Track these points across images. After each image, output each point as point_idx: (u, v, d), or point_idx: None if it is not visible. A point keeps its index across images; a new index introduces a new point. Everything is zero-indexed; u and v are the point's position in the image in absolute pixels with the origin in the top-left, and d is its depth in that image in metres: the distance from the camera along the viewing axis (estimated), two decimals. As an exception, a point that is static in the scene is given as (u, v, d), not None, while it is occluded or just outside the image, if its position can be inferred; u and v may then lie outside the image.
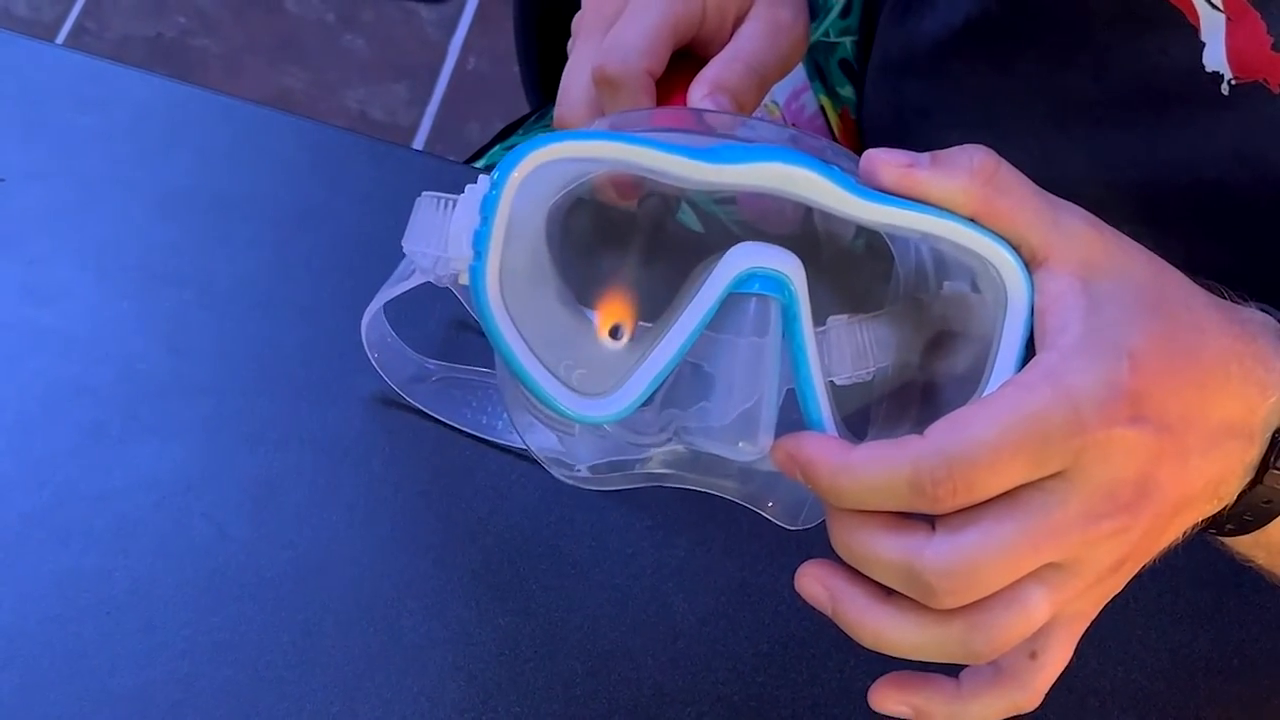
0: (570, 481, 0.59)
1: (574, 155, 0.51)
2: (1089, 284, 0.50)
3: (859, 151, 0.53)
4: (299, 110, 1.39)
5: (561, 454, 0.59)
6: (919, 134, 0.80)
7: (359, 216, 0.74)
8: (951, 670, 0.53)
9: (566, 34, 0.68)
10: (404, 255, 0.56)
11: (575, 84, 0.64)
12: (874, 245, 0.55)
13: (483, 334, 0.51)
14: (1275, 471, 0.52)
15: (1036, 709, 0.53)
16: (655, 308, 0.53)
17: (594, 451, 0.58)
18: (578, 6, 0.68)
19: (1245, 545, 0.56)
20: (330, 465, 0.67)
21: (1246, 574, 0.59)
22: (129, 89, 0.77)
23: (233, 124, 0.77)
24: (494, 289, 0.50)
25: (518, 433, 0.59)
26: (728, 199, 0.57)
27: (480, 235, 0.50)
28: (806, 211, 0.53)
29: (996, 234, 0.51)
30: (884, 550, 0.49)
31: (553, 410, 0.51)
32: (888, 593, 0.51)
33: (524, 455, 0.67)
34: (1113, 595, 0.53)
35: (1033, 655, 0.52)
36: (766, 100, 0.83)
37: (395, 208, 0.59)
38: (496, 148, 0.90)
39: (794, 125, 0.86)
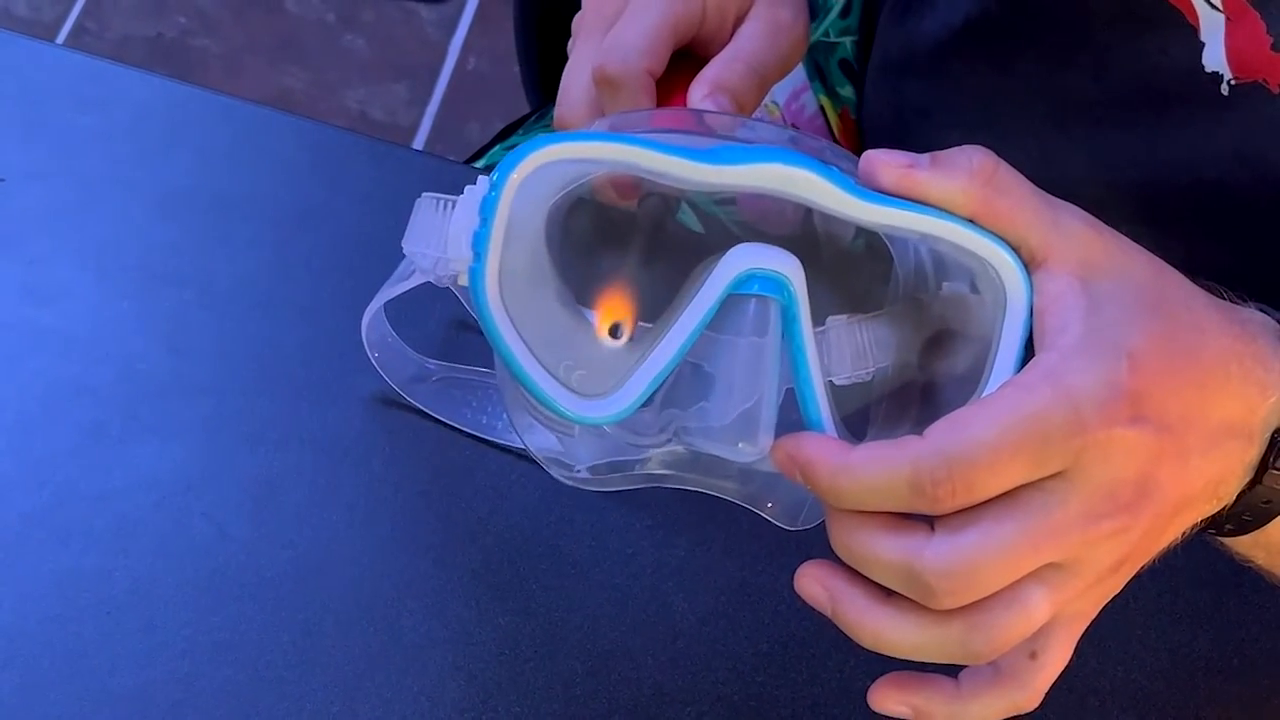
0: (569, 482, 0.59)
1: (573, 156, 0.51)
2: (1088, 284, 0.50)
3: (859, 152, 0.53)
4: (299, 110, 1.39)
5: (561, 454, 0.59)
6: (919, 134, 0.80)
7: (359, 216, 0.74)
8: (951, 670, 0.53)
9: (566, 34, 0.68)
10: (403, 255, 0.56)
11: (575, 84, 0.64)
12: (873, 246, 0.55)
13: (483, 334, 0.51)
14: (1275, 471, 0.52)
15: (1036, 709, 0.53)
16: (655, 308, 0.53)
17: (593, 452, 0.58)
18: (578, 6, 0.68)
19: (1244, 545, 0.56)
20: (330, 465, 0.67)
21: (1246, 574, 0.59)
22: (129, 89, 0.77)
23: (233, 124, 0.77)
24: (493, 290, 0.50)
25: (517, 433, 0.59)
26: (728, 200, 0.57)
27: (480, 236, 0.50)
28: (806, 212, 0.53)
29: (996, 235, 0.51)
30: (883, 551, 0.49)
31: (552, 411, 0.51)
32: (887, 593, 0.51)
33: (524, 455, 0.67)
34: (1112, 595, 0.53)
35: (1032, 655, 0.52)
36: (766, 100, 0.83)
37: (395, 208, 0.59)
38: (496, 148, 0.90)
39: (794, 125, 0.86)
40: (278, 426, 0.68)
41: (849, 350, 0.55)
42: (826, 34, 0.87)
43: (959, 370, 0.53)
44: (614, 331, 0.53)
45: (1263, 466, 0.52)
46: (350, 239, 0.73)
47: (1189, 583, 0.67)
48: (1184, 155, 0.70)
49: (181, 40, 1.78)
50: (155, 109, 0.77)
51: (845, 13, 0.87)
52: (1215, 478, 0.52)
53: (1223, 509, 0.53)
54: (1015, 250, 0.51)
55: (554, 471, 0.59)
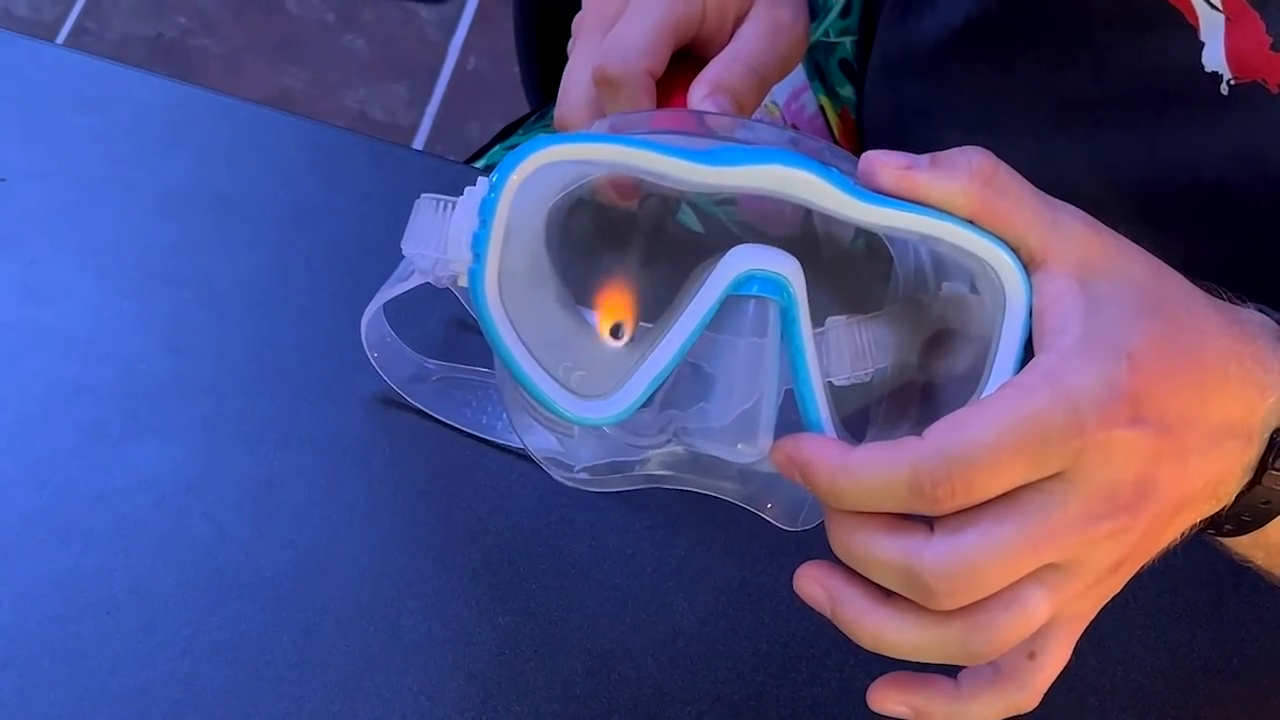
0: (569, 483, 0.59)
1: (573, 158, 0.51)
2: (1088, 285, 0.50)
3: (859, 152, 0.53)
4: (299, 110, 1.39)
5: (560, 455, 0.59)
6: (919, 134, 0.80)
7: (359, 216, 0.74)
8: (950, 670, 0.53)
9: (566, 34, 0.68)
10: (403, 255, 0.56)
11: (575, 84, 0.64)
12: (873, 247, 0.55)
13: (482, 334, 0.51)
14: (1274, 472, 0.52)
15: (1036, 709, 0.53)
16: (654, 309, 0.53)
17: (593, 453, 0.58)
18: (578, 6, 0.68)
19: (1244, 545, 0.56)
20: (330, 465, 0.67)
21: (1245, 574, 0.59)
22: (129, 89, 0.77)
23: (233, 124, 0.77)
24: (493, 291, 0.50)
25: (517, 434, 0.59)
26: (727, 200, 0.57)
27: (479, 238, 0.50)
28: (806, 213, 0.53)
29: (995, 235, 0.51)
30: (883, 551, 0.49)
31: (552, 412, 0.51)
32: (887, 594, 0.51)
33: (524, 455, 0.67)
34: (1112, 596, 0.53)
35: (1031, 656, 0.52)
36: (766, 100, 0.83)
37: (395, 208, 0.59)
38: (497, 148, 0.90)
39: (794, 125, 0.86)
40: (278, 426, 0.68)
41: (848, 351, 0.55)
42: (826, 34, 0.87)
43: (958, 371, 0.53)
44: (614, 332, 0.53)
45: (1262, 467, 0.52)
46: (350, 239, 0.73)
47: (1188, 583, 0.67)
48: (1184, 155, 0.70)
49: (181, 40, 1.78)
50: (155, 109, 0.77)
51: (845, 13, 0.87)
52: (1214, 478, 0.52)
53: (1222, 509, 0.53)
54: (1015, 251, 0.51)
55: (553, 472, 0.59)
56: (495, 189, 0.50)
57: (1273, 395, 0.52)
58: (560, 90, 0.65)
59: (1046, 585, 0.50)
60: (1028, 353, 0.51)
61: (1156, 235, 0.57)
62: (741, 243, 0.51)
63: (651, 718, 0.63)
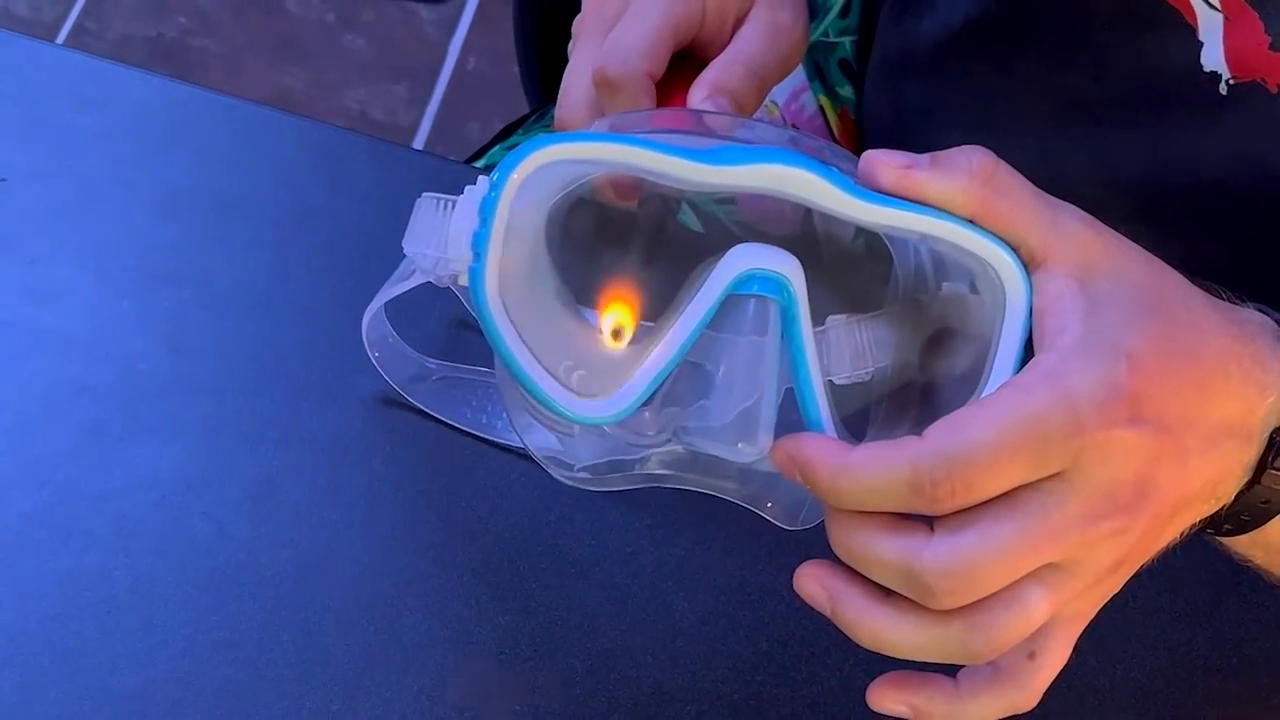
0: (569, 482, 0.59)
1: (573, 157, 0.51)
2: (1087, 285, 0.50)
3: (859, 152, 0.53)
4: (299, 110, 1.39)
5: (561, 454, 0.59)
6: (919, 134, 0.80)
7: (359, 216, 0.74)
8: (950, 670, 0.53)
9: (566, 34, 0.68)
10: (403, 255, 0.56)
11: (576, 86, 0.65)
12: (873, 246, 0.55)
13: (483, 334, 0.51)
14: (1273, 471, 0.52)
15: (1035, 708, 0.53)
16: (654, 308, 0.53)
17: (593, 452, 0.58)
18: (578, 7, 0.68)
19: (1243, 545, 0.57)
20: (330, 465, 0.67)
21: (1245, 573, 0.59)
22: (129, 89, 0.77)
23: (233, 124, 0.77)
24: (493, 290, 0.50)
25: (517, 433, 0.59)
26: (727, 200, 0.57)
27: (480, 237, 0.50)
28: (806, 212, 0.53)
29: (995, 235, 0.51)
30: (883, 551, 0.49)
31: (552, 411, 0.51)
32: (886, 593, 0.51)
33: (524, 455, 0.67)
34: (1111, 595, 0.53)
35: (1031, 655, 0.52)
36: (766, 100, 0.84)
37: (395, 208, 0.59)
38: (496, 148, 0.90)
39: (793, 125, 0.86)
40: (278, 426, 0.68)
41: (848, 350, 0.55)
42: (826, 34, 0.87)
43: (958, 370, 0.53)
44: (614, 332, 0.53)
45: (1261, 466, 0.52)
46: (350, 239, 0.73)
47: (1188, 582, 0.67)
48: (1183, 155, 0.70)
49: (181, 40, 1.78)
50: (155, 109, 0.77)
51: (845, 13, 0.87)
52: (1214, 478, 0.52)
53: (1221, 509, 0.53)
54: (1015, 250, 0.51)
55: (553, 471, 0.59)
56: (496, 188, 0.50)
57: (1272, 395, 0.52)
58: (560, 91, 0.66)
59: (1046, 585, 0.50)
60: (1028, 352, 0.51)
61: (1156, 235, 0.57)
62: (742, 242, 0.51)
63: (651, 717, 0.63)
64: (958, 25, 0.76)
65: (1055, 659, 0.52)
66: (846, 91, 0.87)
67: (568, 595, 0.65)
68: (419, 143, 1.74)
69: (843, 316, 0.55)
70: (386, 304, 0.63)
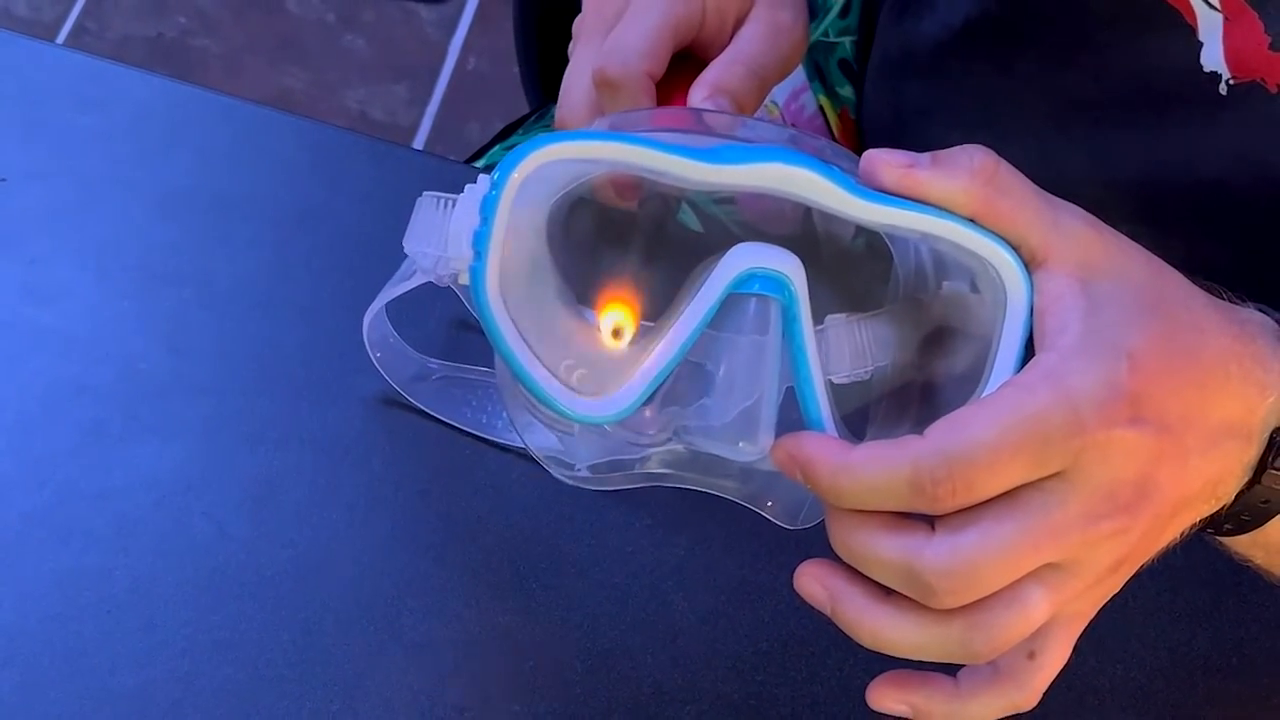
0: (570, 481, 0.59)
1: (574, 156, 0.51)
2: (1088, 284, 0.50)
3: (858, 152, 0.53)
4: (299, 110, 1.39)
5: (561, 454, 0.59)
6: (918, 134, 0.80)
7: (359, 216, 0.74)
8: (950, 669, 0.53)
9: (566, 34, 0.68)
10: (403, 255, 0.56)
11: (576, 86, 0.65)
12: (873, 245, 0.55)
13: (483, 333, 0.51)
14: (1273, 471, 0.52)
15: (1035, 708, 0.53)
16: (655, 308, 0.53)
17: (594, 451, 0.58)
18: (578, 7, 0.68)
19: (1243, 545, 0.57)
20: (330, 465, 0.67)
21: (1244, 573, 0.59)
22: (129, 89, 0.77)
23: (233, 124, 0.77)
24: (494, 289, 0.50)
25: (517, 432, 0.59)
26: (727, 199, 0.57)
27: (480, 235, 0.50)
28: (806, 211, 0.53)
29: (996, 234, 0.51)
30: (884, 550, 0.49)
31: (553, 410, 0.51)
32: (887, 592, 0.51)
33: (524, 454, 0.67)
34: (1111, 595, 0.53)
35: (1031, 655, 0.52)
36: (766, 100, 0.84)
37: (395, 208, 0.59)
38: (496, 148, 0.90)
39: (793, 125, 0.86)
40: (278, 426, 0.68)
41: (848, 349, 0.55)
42: (826, 34, 0.87)
43: (959, 370, 0.53)
44: (614, 331, 0.53)
45: (1261, 466, 0.52)
46: (350, 239, 0.73)
47: (1188, 582, 0.67)
48: (1183, 155, 0.70)
49: (181, 40, 1.78)
50: (155, 109, 0.77)
51: (845, 13, 0.87)
52: (1214, 478, 0.52)
53: (1221, 509, 0.53)
54: (1015, 250, 0.51)
55: (554, 470, 0.59)
56: (497, 186, 0.50)
57: (1272, 395, 0.52)
58: (561, 92, 0.66)
59: (1046, 585, 0.50)
60: (1028, 352, 0.51)
61: (1156, 235, 0.57)
62: (742, 241, 0.51)
63: (651, 717, 0.63)
64: (958, 25, 0.76)
65: (1055, 659, 0.52)
66: (846, 91, 0.87)
67: (568, 595, 0.65)
68: (419, 143, 1.74)
69: (842, 315, 0.55)
70: (387, 304, 0.63)
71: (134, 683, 0.62)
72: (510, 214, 0.50)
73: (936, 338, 0.55)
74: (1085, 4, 0.70)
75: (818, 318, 0.53)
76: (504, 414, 0.68)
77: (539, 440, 0.58)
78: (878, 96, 0.84)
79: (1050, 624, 0.51)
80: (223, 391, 0.69)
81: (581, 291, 0.53)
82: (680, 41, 0.65)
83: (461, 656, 0.64)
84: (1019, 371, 0.50)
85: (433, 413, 0.68)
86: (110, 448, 0.67)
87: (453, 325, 0.71)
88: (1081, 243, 0.51)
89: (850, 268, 0.56)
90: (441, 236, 0.52)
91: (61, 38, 1.77)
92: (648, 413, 0.53)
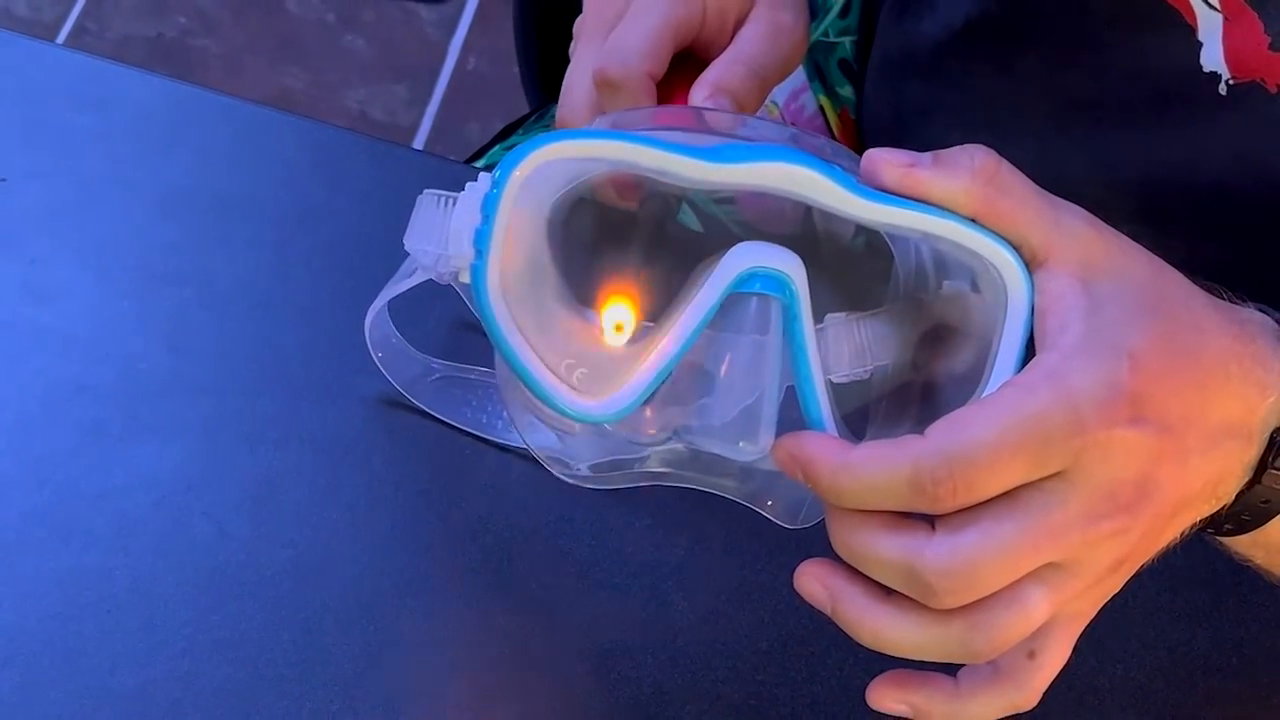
0: (570, 480, 0.59)
1: (576, 154, 0.51)
2: (1089, 284, 0.50)
3: (859, 152, 0.53)
4: (299, 110, 1.39)
5: (561, 453, 0.59)
6: (918, 134, 0.80)
7: (359, 216, 0.74)
8: (950, 669, 0.53)
9: (566, 34, 0.68)
10: (404, 255, 0.56)
11: (577, 87, 0.65)
12: (874, 244, 0.55)
13: (483, 333, 0.51)
14: (1274, 471, 0.52)
15: (1035, 707, 0.53)
16: (656, 307, 0.53)
17: (594, 450, 0.58)
18: (578, 7, 0.68)
19: (1243, 545, 0.57)
20: (330, 465, 0.67)
21: (1244, 573, 0.59)
22: (129, 89, 0.77)
23: (233, 124, 0.77)
24: (495, 288, 0.50)
25: (518, 432, 0.59)
26: (726, 199, 0.57)
27: (481, 234, 0.50)
28: (806, 211, 0.53)
29: (997, 234, 0.51)
30: (884, 550, 0.49)
31: (553, 409, 0.51)
32: (887, 592, 0.51)
33: (524, 454, 0.67)
34: (1111, 595, 0.53)
35: (1031, 655, 0.52)
36: (766, 100, 0.84)
37: (395, 208, 0.59)
38: (496, 148, 0.90)
39: (793, 125, 0.86)
40: (278, 426, 0.68)
41: (848, 348, 0.55)
42: (826, 34, 0.87)
43: (959, 369, 0.53)
44: (615, 329, 0.53)
45: (1262, 466, 0.52)
46: (350, 239, 0.73)
47: (1188, 582, 0.67)
48: (1183, 155, 0.70)
49: (181, 40, 1.78)
50: (155, 109, 0.77)
51: (845, 13, 0.87)
52: (1214, 478, 0.52)
53: (1222, 509, 0.53)
54: (1016, 249, 0.51)
55: (554, 470, 0.59)
56: (498, 185, 0.50)
57: (1273, 395, 0.52)
58: (562, 92, 0.66)
59: (1047, 584, 0.50)
60: (1029, 351, 0.51)
61: (1157, 235, 0.57)
62: (742, 241, 0.51)
63: (651, 717, 0.63)
64: (958, 25, 0.76)
65: (1055, 658, 0.52)
66: (846, 91, 0.87)
67: (568, 595, 0.65)
68: (419, 143, 1.74)
69: (843, 315, 0.55)
70: (388, 304, 0.63)
71: (134, 682, 0.62)
72: (512, 212, 0.50)
73: (937, 337, 0.55)
74: (1085, 4, 0.70)
75: (818, 317, 0.53)
76: (504, 414, 0.68)
77: (539, 439, 0.58)
78: (878, 96, 0.84)
79: (1050, 624, 0.51)
80: (223, 391, 0.69)
81: (582, 290, 0.53)
82: (681, 42, 0.65)
83: (461, 656, 0.64)
84: (1020, 371, 0.50)
85: (433, 412, 0.68)
86: (110, 448, 0.67)
87: (453, 325, 0.71)
88: (1083, 242, 0.51)
89: (850, 267, 0.56)
90: (442, 235, 0.52)
91: (61, 38, 1.77)
92: (648, 412, 0.53)
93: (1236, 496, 0.53)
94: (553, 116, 0.67)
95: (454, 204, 0.52)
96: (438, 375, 0.69)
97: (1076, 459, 0.48)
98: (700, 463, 0.58)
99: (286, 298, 0.71)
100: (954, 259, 0.52)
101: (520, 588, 0.65)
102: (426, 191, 0.53)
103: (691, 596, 0.66)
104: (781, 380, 0.52)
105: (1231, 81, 0.66)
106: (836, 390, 0.54)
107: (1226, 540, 0.56)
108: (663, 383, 0.52)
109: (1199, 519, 0.53)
